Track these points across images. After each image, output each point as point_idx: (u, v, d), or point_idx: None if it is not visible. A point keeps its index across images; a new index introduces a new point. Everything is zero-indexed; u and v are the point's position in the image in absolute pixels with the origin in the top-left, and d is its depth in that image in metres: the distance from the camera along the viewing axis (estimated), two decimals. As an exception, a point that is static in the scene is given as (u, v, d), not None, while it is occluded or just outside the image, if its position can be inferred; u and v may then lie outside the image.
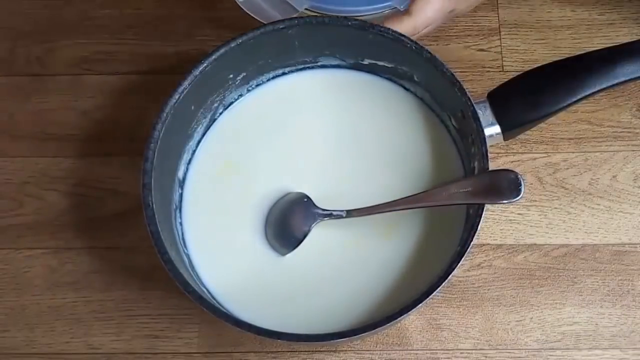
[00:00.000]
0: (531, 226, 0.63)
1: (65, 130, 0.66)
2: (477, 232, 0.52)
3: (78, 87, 0.67)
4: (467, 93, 0.54)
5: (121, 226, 0.63)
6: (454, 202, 0.53)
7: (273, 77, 0.62)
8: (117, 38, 0.69)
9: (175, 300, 0.61)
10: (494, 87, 0.55)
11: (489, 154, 0.52)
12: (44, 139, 0.66)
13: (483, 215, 0.52)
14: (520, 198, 0.50)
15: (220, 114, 0.62)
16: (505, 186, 0.51)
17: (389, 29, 0.56)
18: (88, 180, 0.64)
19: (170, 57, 0.67)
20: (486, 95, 0.55)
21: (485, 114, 0.54)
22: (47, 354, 0.60)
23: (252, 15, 0.63)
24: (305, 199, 0.58)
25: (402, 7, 0.62)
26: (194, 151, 0.61)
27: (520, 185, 0.51)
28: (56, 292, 0.62)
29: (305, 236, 0.57)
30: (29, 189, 0.64)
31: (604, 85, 0.52)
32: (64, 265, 0.62)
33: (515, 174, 0.50)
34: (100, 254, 0.62)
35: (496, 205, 0.62)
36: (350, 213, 0.56)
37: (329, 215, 0.57)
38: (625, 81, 0.52)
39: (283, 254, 0.58)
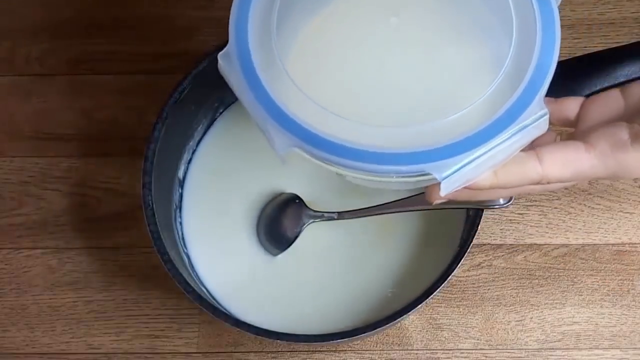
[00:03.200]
0: (531, 226, 0.62)
1: (65, 130, 0.66)
2: (477, 232, 0.52)
3: (78, 87, 0.67)
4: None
5: (121, 226, 0.63)
6: (445, 206, 0.53)
7: (273, 77, 0.62)
8: (117, 38, 0.69)
9: (175, 300, 0.61)
10: (494, 87, 0.55)
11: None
12: (44, 139, 0.66)
13: (483, 215, 0.52)
14: (510, 204, 0.50)
15: (221, 113, 0.62)
16: None
17: None
18: (88, 180, 0.64)
19: (170, 57, 0.67)
20: (486, 95, 0.55)
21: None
22: (47, 354, 0.60)
23: None
24: (297, 200, 0.58)
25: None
26: (194, 151, 0.61)
27: None
28: (56, 292, 0.62)
29: (296, 237, 0.57)
30: (28, 189, 0.64)
31: (604, 85, 0.52)
32: (64, 265, 0.62)
33: None
34: (100, 254, 0.62)
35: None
36: (342, 215, 0.56)
37: (321, 216, 0.57)
38: (625, 82, 0.52)
39: (274, 255, 0.58)
